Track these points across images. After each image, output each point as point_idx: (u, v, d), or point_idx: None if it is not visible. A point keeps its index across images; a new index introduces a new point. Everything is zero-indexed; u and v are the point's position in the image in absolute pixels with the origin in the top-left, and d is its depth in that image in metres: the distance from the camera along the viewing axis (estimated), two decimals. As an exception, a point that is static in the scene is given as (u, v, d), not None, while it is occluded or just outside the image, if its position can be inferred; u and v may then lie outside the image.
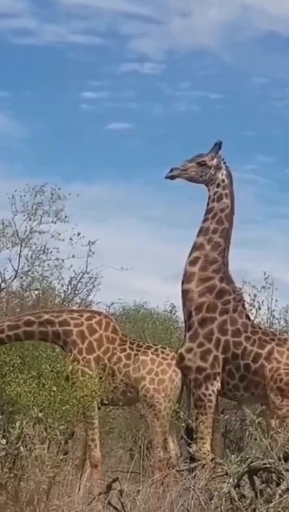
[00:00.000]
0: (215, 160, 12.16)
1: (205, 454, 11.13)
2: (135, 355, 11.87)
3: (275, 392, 11.50)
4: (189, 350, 11.86)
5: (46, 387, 10.77)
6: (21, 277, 15.02)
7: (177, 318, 16.42)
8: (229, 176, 12.20)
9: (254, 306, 14.45)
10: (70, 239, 14.51)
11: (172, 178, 12.26)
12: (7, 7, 31.32)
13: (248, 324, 11.98)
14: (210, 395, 11.71)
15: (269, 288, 14.85)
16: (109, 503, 8.87)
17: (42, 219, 14.49)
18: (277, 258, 22.85)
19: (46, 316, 11.99)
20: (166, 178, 12.27)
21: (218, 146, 12.22)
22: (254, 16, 31.47)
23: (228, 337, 11.79)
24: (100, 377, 11.51)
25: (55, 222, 14.48)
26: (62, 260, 15.00)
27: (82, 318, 12.06)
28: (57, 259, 14.98)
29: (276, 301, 15.27)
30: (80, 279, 15.58)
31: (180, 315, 14.25)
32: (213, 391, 11.73)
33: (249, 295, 14.06)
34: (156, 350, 12.00)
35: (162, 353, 11.96)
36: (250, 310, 13.56)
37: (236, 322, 11.88)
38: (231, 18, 31.00)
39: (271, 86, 31.75)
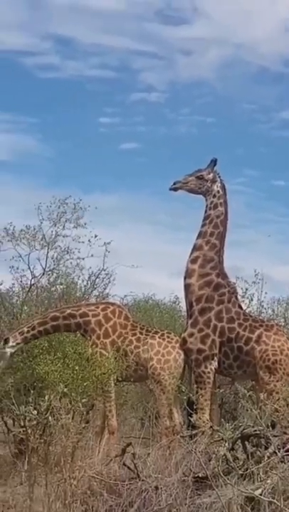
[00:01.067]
0: (211, 174, 12.15)
1: (204, 422, 11.14)
2: (144, 338, 11.88)
3: (264, 370, 11.51)
4: (191, 335, 11.87)
5: (70, 366, 10.78)
6: (48, 274, 15.03)
7: (180, 308, 16.42)
8: (223, 187, 12.18)
9: (247, 298, 14.48)
10: (89, 241, 14.52)
11: (175, 190, 12.25)
12: (34, 47, 31.43)
13: (241, 313, 11.99)
14: (208, 372, 11.73)
15: (259, 283, 14.88)
16: (124, 464, 8.84)
17: (65, 225, 14.52)
18: (265, 257, 22.84)
19: (68, 311, 12.01)
20: (170, 189, 12.26)
21: (214, 162, 12.21)
22: (247, 53, 31.47)
23: (224, 323, 11.80)
24: (115, 358, 11.55)
25: (76, 228, 14.52)
26: (83, 259, 15.00)
27: (98, 310, 12.08)
28: (78, 258, 14.98)
29: (265, 293, 15.28)
30: (98, 275, 15.59)
31: (183, 305, 14.23)
32: (211, 369, 11.74)
33: (241, 289, 14.10)
34: (163, 334, 12.01)
35: (168, 337, 11.97)
36: (243, 301, 13.59)
37: (230, 311, 11.89)
38: (227, 55, 31.01)
39: (258, 111, 31.78)
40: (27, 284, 14.63)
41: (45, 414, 8.92)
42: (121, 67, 31.56)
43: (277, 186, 30.62)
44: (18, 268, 14.53)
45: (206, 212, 12.16)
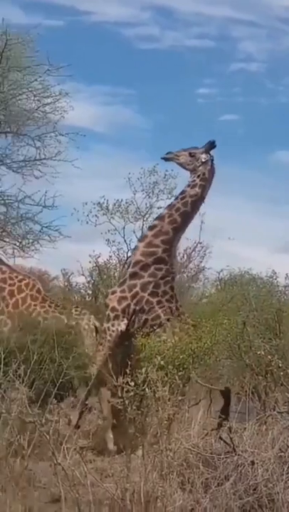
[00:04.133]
0: (204, 155, 11.93)
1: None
2: (53, 311, 12.56)
3: None
4: (113, 292, 11.91)
5: (168, 340, 10.91)
6: (144, 247, 15.10)
7: (278, 283, 16.29)
8: (211, 173, 11.98)
9: None
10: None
11: (166, 160, 12.22)
12: (134, 17, 31.77)
13: (168, 294, 11.79)
14: (113, 331, 11.69)
15: None
16: (220, 438, 8.92)
17: (159, 196, 14.59)
18: None
19: None
20: (162, 158, 12.28)
21: (211, 144, 11.97)
22: None
23: (145, 294, 11.70)
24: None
25: (170, 198, 14.56)
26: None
27: (15, 280, 12.65)
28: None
29: None
30: (194, 248, 15.63)
31: (281, 280, 14.12)
32: (117, 329, 11.70)
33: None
34: (71, 310, 12.69)
35: (76, 310, 12.67)
36: None
37: (159, 287, 11.74)
38: None
39: None
40: (124, 256, 14.84)
41: (142, 386, 9.08)
42: (220, 37, 31.34)
43: None
44: (114, 241, 14.77)
45: (184, 187, 12.06)
